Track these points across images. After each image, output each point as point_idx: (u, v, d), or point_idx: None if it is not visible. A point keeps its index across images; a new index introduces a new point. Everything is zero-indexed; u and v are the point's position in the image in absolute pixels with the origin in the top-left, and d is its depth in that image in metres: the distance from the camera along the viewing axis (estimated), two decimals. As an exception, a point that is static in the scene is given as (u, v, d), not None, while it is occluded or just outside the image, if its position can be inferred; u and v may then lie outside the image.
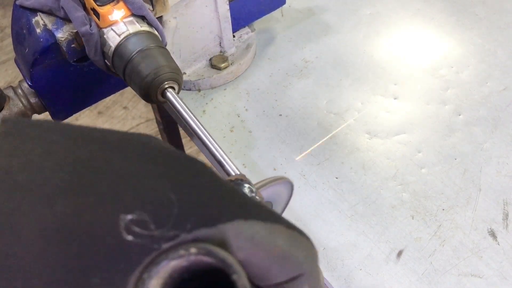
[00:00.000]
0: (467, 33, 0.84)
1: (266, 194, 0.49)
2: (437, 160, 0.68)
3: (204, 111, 0.76)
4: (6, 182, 0.21)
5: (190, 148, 2.01)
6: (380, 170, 0.67)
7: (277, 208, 0.52)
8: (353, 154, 0.69)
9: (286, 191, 0.51)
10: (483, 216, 0.62)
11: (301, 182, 0.67)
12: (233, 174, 0.51)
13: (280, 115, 0.75)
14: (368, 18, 0.88)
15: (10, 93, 0.63)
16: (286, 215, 0.65)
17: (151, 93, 0.55)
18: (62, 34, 0.58)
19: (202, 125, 0.54)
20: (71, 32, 0.59)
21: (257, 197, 0.38)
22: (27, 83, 0.63)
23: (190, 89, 0.78)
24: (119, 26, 0.56)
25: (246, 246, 0.22)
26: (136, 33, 0.56)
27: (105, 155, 0.23)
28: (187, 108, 0.55)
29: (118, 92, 0.73)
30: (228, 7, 0.74)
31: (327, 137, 0.71)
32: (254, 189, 0.38)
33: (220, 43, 0.78)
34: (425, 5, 0.89)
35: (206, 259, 0.21)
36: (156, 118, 1.03)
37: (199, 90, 0.78)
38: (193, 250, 0.21)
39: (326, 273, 0.59)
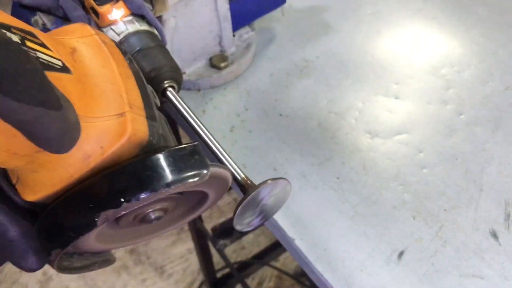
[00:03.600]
0: (468, 33, 0.83)
1: (270, 191, 0.49)
2: (438, 160, 0.68)
3: (203, 111, 0.75)
4: None
5: (190, 148, 2.01)
6: (381, 170, 0.67)
7: (279, 206, 0.52)
8: (354, 154, 0.69)
9: (286, 190, 0.51)
10: (484, 216, 0.62)
11: (301, 183, 0.66)
12: (235, 173, 0.51)
13: (281, 115, 0.74)
14: (369, 18, 0.87)
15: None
16: (286, 215, 0.65)
17: None
18: (61, 33, 0.58)
19: (202, 124, 0.54)
20: (70, 31, 0.58)
21: None
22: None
23: (189, 89, 0.78)
24: (118, 26, 0.56)
25: None
26: (135, 33, 0.56)
27: None
28: (188, 107, 0.55)
29: (118, 91, 0.73)
30: (228, 6, 0.73)
31: (328, 137, 0.71)
32: None
33: (220, 42, 0.78)
34: (426, 5, 0.88)
35: None
36: (155, 118, 1.02)
37: (199, 90, 0.78)
38: None
39: (327, 274, 0.58)
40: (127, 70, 0.39)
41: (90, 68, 0.37)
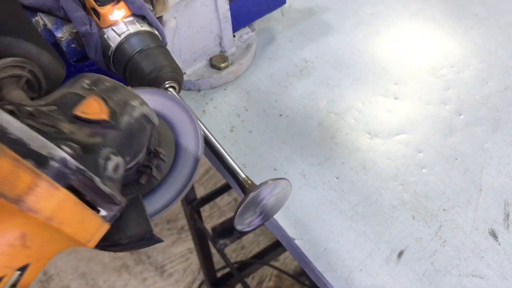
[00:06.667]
0: (467, 33, 0.84)
1: (271, 191, 0.49)
2: (437, 160, 0.68)
3: (204, 111, 0.76)
4: None
5: (190, 148, 2.01)
6: (381, 170, 0.67)
7: (279, 206, 0.52)
8: (353, 154, 0.69)
9: (286, 191, 0.51)
10: (484, 216, 0.62)
11: (301, 183, 0.67)
12: (236, 173, 0.51)
13: (281, 115, 0.74)
14: (369, 18, 0.88)
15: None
16: (286, 215, 0.65)
17: None
18: (62, 34, 0.58)
19: (203, 124, 0.54)
20: (71, 32, 0.58)
21: None
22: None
23: (190, 89, 0.78)
24: (119, 26, 0.56)
25: None
26: (136, 33, 0.56)
27: None
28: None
29: (118, 92, 0.73)
30: (228, 6, 0.74)
31: (328, 137, 0.71)
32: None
33: (220, 43, 0.78)
34: (425, 5, 0.89)
35: None
36: (156, 118, 1.02)
37: (199, 90, 0.78)
38: None
39: (327, 274, 0.59)
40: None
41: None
